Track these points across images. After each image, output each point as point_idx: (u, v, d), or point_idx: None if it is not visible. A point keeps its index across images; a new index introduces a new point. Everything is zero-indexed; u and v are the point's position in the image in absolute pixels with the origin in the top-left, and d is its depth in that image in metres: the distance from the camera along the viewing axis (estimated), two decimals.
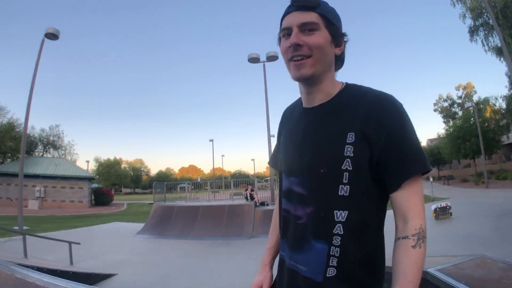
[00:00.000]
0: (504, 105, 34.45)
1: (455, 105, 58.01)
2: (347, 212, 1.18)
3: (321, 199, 1.22)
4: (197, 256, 12.08)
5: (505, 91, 35.49)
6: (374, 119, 1.17)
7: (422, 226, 1.13)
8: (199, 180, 76.06)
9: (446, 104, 59.35)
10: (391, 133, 1.16)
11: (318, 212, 1.22)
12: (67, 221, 21.39)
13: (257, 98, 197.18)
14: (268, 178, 23.89)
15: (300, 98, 1.46)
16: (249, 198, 18.28)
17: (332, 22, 1.28)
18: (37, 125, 54.64)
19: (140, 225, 17.94)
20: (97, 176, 49.85)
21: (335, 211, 1.19)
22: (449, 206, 15.80)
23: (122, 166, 68.07)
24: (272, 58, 19.32)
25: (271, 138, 20.20)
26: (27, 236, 8.04)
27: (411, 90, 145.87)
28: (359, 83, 1.32)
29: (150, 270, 9.75)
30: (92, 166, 63.12)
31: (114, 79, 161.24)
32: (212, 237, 14.83)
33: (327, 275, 1.19)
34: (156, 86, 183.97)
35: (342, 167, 1.18)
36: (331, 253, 1.19)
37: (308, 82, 1.30)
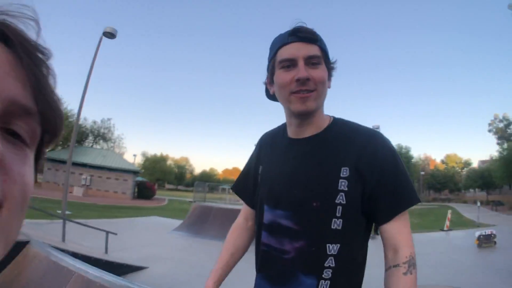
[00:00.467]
0: None
1: (511, 127, 55.24)
2: (339, 245, 1.20)
3: (314, 233, 1.22)
4: None
5: None
6: (368, 156, 1.22)
7: (412, 254, 1.18)
8: None
9: (501, 124, 56.28)
10: (384, 169, 1.22)
11: (310, 246, 1.22)
12: (109, 211, 22.11)
13: None
14: None
15: (280, 127, 1.48)
16: None
17: (328, 57, 1.30)
18: (90, 117, 56.87)
19: (178, 222, 18.18)
20: (143, 170, 51.05)
21: (327, 245, 1.20)
22: (494, 234, 14.83)
23: (168, 162, 69.32)
24: None
25: None
26: (67, 222, 8.36)
27: (466, 108, 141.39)
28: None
29: (182, 267, 9.89)
30: (139, 160, 64.99)
31: (166, 76, 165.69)
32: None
33: None
34: (208, 87, 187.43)
35: (336, 201, 1.20)
36: (320, 287, 1.20)
37: (307, 115, 1.28)
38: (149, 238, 13.60)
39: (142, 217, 20.78)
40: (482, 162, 66.21)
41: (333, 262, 1.19)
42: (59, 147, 38.13)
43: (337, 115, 1.38)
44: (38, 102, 0.42)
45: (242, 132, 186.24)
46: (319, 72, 1.23)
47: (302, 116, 1.28)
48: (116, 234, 8.74)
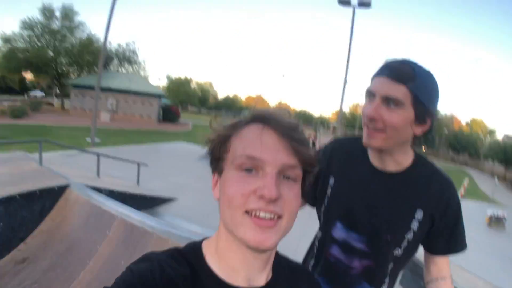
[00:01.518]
0: None
1: None
2: (393, 264, 1.38)
3: (381, 257, 1.36)
4: None
5: None
6: (443, 204, 1.29)
7: (450, 273, 1.40)
8: None
9: None
10: (451, 215, 1.31)
11: (376, 266, 1.37)
12: (135, 136, 22.52)
13: (339, 44, 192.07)
14: (333, 124, 23.68)
15: (355, 140, 1.46)
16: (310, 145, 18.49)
17: (420, 101, 1.18)
18: (114, 40, 55.97)
19: (204, 149, 18.46)
20: (167, 93, 51.10)
21: (388, 265, 1.37)
22: (505, 217, 15.14)
23: (192, 85, 69.02)
24: (364, 4, 18.44)
25: (346, 85, 19.88)
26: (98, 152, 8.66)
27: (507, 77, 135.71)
28: None
29: (209, 198, 10.19)
30: (163, 83, 64.75)
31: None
32: None
33: None
34: (237, 13, 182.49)
35: (405, 236, 1.31)
36: None
37: (378, 149, 1.30)
38: (177, 166, 14.05)
39: (168, 143, 21.19)
40: (507, 137, 64.22)
41: (388, 278, 1.40)
42: (85, 73, 38.25)
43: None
44: (300, 160, 0.73)
45: (268, 60, 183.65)
46: (394, 115, 1.17)
47: (378, 149, 1.29)
48: (147, 165, 9.02)
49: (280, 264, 0.86)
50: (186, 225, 6.74)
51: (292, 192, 0.72)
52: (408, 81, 1.15)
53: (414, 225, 1.29)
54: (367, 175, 1.38)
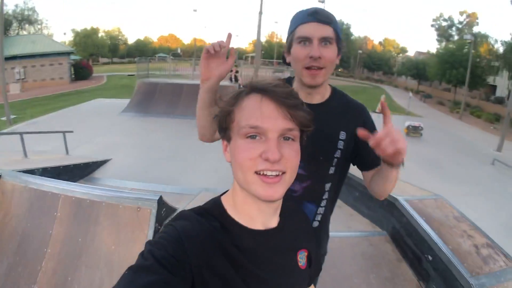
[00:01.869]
0: (501, 50, 33.36)
1: (453, 28, 55.54)
2: (331, 183, 1.61)
3: (317, 177, 1.58)
4: (185, 136, 12.41)
5: (507, 37, 33.89)
6: (361, 123, 1.53)
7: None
8: (179, 51, 74.35)
9: (445, 24, 56.69)
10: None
11: (314, 185, 1.58)
12: (51, 102, 21.27)
13: None
14: (251, 54, 23.61)
15: (285, 82, 1.64)
16: (233, 79, 18.37)
17: (339, 37, 1.46)
18: (9, 2, 50.91)
19: (124, 102, 18.09)
20: (74, 48, 48.14)
21: (325, 184, 1.60)
22: (421, 126, 16.72)
23: (100, 35, 65.12)
24: None
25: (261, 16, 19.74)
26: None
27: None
28: None
29: (142, 152, 10.28)
30: (69, 38, 60.78)
31: None
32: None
33: (313, 226, 1.63)
34: None
35: (335, 156, 1.55)
36: (317, 212, 1.63)
37: (316, 87, 1.51)
38: (101, 125, 13.64)
39: (87, 103, 20.33)
40: (419, 53, 67.02)
41: (327, 195, 1.62)
42: None
43: None
44: (297, 123, 0.85)
45: None
46: (329, 52, 1.42)
47: (311, 87, 1.51)
48: (72, 131, 8.72)
49: (284, 208, 1.02)
50: (129, 184, 6.77)
51: (292, 150, 0.85)
52: (332, 23, 1.42)
53: (340, 144, 1.54)
54: None
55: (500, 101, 35.91)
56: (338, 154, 1.55)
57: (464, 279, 2.44)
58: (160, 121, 14.94)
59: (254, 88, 0.88)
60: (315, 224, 1.65)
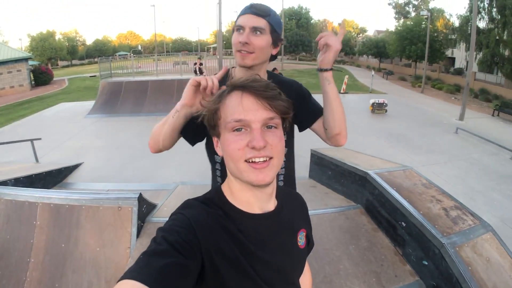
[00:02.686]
0: (457, 24, 34.13)
1: (410, 5, 56.54)
2: (287, 148, 1.78)
3: None
4: None
5: (462, 11, 34.57)
6: (295, 95, 1.63)
7: None
8: (139, 48, 73.24)
9: (402, 1, 57.53)
10: (304, 98, 1.83)
11: None
12: (13, 111, 20.34)
13: None
14: (213, 45, 23.52)
15: (224, 77, 1.81)
16: (198, 72, 18.23)
17: (275, 30, 1.67)
18: None
19: (88, 104, 17.73)
20: (31, 53, 46.73)
21: None
22: (386, 103, 17.11)
23: (56, 38, 63.28)
24: None
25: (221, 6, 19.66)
26: None
27: None
28: None
29: (113, 153, 10.17)
30: (26, 43, 58.97)
31: None
32: (164, 113, 14.19)
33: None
34: None
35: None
36: (280, 173, 1.88)
37: (249, 68, 1.69)
38: (68, 130, 13.30)
39: (50, 108, 19.72)
40: (378, 32, 68.62)
41: (285, 158, 1.78)
42: None
43: None
44: (277, 111, 0.94)
45: None
46: (259, 40, 1.62)
47: (245, 68, 1.69)
48: (40, 139, 8.56)
49: (279, 191, 1.12)
50: (104, 186, 6.69)
51: (276, 136, 0.94)
52: (266, 16, 1.62)
53: None
54: None
55: (459, 72, 37.07)
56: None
57: (437, 240, 2.59)
58: (128, 120, 14.74)
59: (235, 86, 0.97)
60: (280, 183, 1.90)
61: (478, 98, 26.39)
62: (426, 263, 2.76)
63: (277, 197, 1.09)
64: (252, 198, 0.99)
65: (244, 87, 0.95)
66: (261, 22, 1.61)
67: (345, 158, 4.62)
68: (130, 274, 0.71)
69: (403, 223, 3.09)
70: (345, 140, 1.75)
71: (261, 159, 0.90)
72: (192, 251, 0.81)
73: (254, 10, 1.61)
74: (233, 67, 1.89)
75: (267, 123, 0.93)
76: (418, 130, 13.88)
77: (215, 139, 1.03)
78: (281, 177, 1.89)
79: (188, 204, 0.96)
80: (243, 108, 0.92)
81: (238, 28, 1.63)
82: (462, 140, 12.74)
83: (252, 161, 0.90)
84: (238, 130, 0.92)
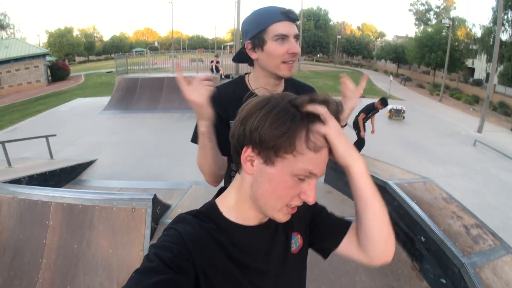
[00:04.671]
0: (479, 34, 33.66)
1: (431, 12, 56.61)
2: None
3: None
4: (169, 131, 12.48)
5: (485, 22, 34.52)
6: None
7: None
8: (156, 44, 73.61)
9: (422, 8, 57.69)
10: None
11: None
12: (30, 106, 20.66)
13: None
14: (230, 43, 23.59)
15: (235, 84, 1.77)
16: (214, 70, 18.22)
17: (299, 33, 1.59)
18: None
19: (104, 100, 17.76)
20: (49, 49, 47.21)
21: None
22: (404, 110, 16.89)
23: (74, 34, 63.89)
24: None
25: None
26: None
27: None
28: None
29: (127, 150, 10.17)
30: (44, 40, 59.68)
31: None
32: (179, 110, 14.93)
33: None
34: None
35: None
36: None
37: (281, 80, 1.68)
38: (83, 126, 13.37)
39: (66, 104, 19.86)
40: (398, 37, 68.39)
41: None
42: None
43: None
44: None
45: None
46: (298, 47, 1.55)
47: (277, 80, 1.66)
48: (55, 135, 8.56)
49: None
50: (117, 184, 6.69)
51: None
52: (296, 21, 1.56)
53: None
54: None
55: (478, 83, 36.67)
56: None
57: (457, 259, 2.50)
58: (143, 116, 14.79)
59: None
60: None
61: (497, 111, 26.04)
62: (444, 281, 2.69)
63: None
64: (253, 216, 0.95)
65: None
66: (296, 29, 1.55)
67: None
68: None
69: (422, 238, 3.01)
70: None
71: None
72: (184, 266, 0.78)
73: (292, 15, 1.53)
74: (246, 73, 1.79)
75: None
76: (436, 140, 13.71)
77: (248, 152, 0.86)
78: None
79: (180, 219, 0.92)
80: (321, 162, 0.85)
81: (282, 37, 1.52)
82: (479, 153, 12.52)
83: (290, 206, 0.88)
84: (301, 180, 0.84)
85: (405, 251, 3.26)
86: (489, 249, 2.61)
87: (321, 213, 1.14)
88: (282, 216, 0.88)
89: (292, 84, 1.80)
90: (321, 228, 1.09)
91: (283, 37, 1.51)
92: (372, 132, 9.45)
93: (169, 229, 0.88)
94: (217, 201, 0.99)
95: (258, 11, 1.58)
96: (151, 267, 0.74)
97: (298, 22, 1.59)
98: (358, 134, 9.08)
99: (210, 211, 0.96)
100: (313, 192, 0.84)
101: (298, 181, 0.83)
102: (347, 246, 1.07)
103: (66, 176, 6.60)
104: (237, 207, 0.95)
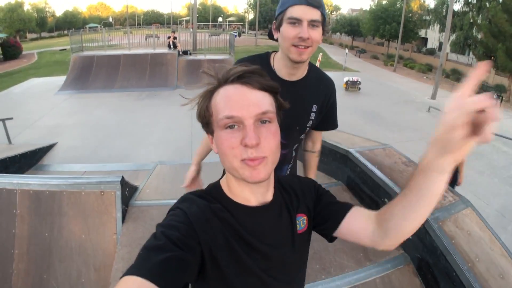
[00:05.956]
0: (432, 6, 35.11)
1: None
2: (297, 144, 1.97)
3: (293, 143, 1.90)
4: (127, 110, 12.39)
5: None
6: (329, 98, 1.87)
7: (320, 149, 2.14)
8: (110, 20, 71.30)
9: None
10: (332, 106, 1.92)
11: (290, 152, 1.93)
12: None
13: None
14: (186, 18, 23.09)
15: (261, 58, 1.80)
16: (171, 46, 17.90)
17: (325, 20, 1.60)
18: None
19: (59, 80, 17.16)
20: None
21: (294, 145, 1.94)
22: (359, 81, 17.51)
23: (25, 8, 60.65)
24: None
25: None
26: None
27: None
28: None
29: (87, 131, 9.99)
30: None
31: None
32: (137, 88, 14.89)
33: None
34: None
35: (307, 125, 1.85)
36: (288, 167, 2.00)
37: (301, 64, 1.67)
38: (40, 108, 12.90)
39: (20, 84, 18.97)
40: (353, 10, 69.11)
41: (294, 153, 1.98)
42: None
43: None
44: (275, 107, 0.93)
45: None
46: (317, 33, 1.56)
47: (296, 63, 1.65)
48: (12, 118, 8.23)
49: (277, 180, 1.11)
50: (81, 167, 6.59)
51: (270, 132, 0.90)
52: (320, 7, 1.54)
53: (313, 115, 1.82)
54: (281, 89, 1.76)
55: (431, 52, 38.25)
56: (310, 123, 1.85)
57: None
58: (101, 96, 14.44)
59: (225, 79, 0.92)
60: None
61: (450, 78, 27.25)
62: (411, 237, 2.84)
63: (275, 186, 1.08)
64: (249, 193, 0.98)
65: (237, 79, 0.91)
66: (317, 15, 1.54)
67: (325, 136, 4.65)
68: (131, 271, 0.73)
69: (385, 200, 3.17)
70: None
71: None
72: (190, 244, 0.82)
73: (311, 1, 1.52)
74: (274, 51, 1.83)
75: (261, 118, 0.88)
76: (392, 108, 14.24)
77: (209, 136, 0.99)
78: (288, 171, 2.00)
79: (186, 199, 0.97)
80: (234, 104, 0.88)
81: (293, 20, 1.54)
82: (435, 118, 13.08)
83: (247, 159, 0.88)
84: (231, 127, 0.88)
85: None
86: (449, 205, 2.78)
87: (325, 195, 1.17)
88: (247, 173, 0.88)
89: (315, 72, 1.84)
90: (323, 210, 1.12)
91: (295, 21, 1.53)
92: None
93: (175, 208, 0.93)
94: (221, 182, 1.04)
95: None
96: (158, 245, 0.78)
97: (320, 9, 1.55)
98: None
99: (214, 191, 1.02)
100: (250, 133, 0.85)
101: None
102: (348, 227, 1.06)
103: (27, 161, 6.44)
104: (232, 187, 0.99)
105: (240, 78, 0.90)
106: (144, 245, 0.79)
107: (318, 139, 2.11)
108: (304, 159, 2.15)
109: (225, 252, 0.89)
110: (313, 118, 1.83)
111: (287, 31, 1.56)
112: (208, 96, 0.94)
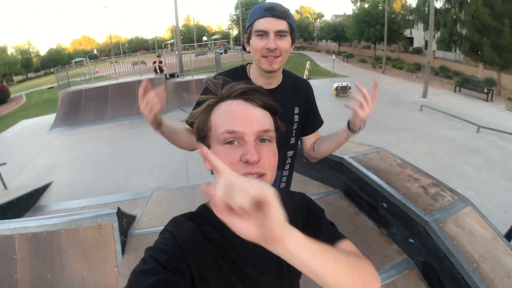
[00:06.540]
0: (414, 5, 35.56)
1: None
2: (293, 151, 2.00)
3: (282, 147, 1.90)
4: (120, 139, 12.34)
5: None
6: (307, 98, 1.97)
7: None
8: (95, 52, 71.47)
9: None
10: (313, 106, 2.01)
11: (280, 155, 1.89)
12: None
13: None
14: (171, 41, 23.28)
15: (237, 71, 1.90)
16: (158, 71, 17.96)
17: (294, 29, 1.70)
18: None
19: (50, 118, 17.15)
20: None
21: (287, 152, 1.98)
22: (349, 86, 17.61)
23: (9, 52, 60.64)
24: None
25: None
26: None
27: None
28: None
29: (82, 166, 9.93)
30: None
31: None
32: (128, 117, 14.75)
33: (280, 188, 2.01)
34: None
35: (293, 128, 1.93)
36: (283, 175, 2.03)
37: (273, 72, 1.73)
38: (33, 148, 12.87)
39: (11, 128, 18.91)
40: (336, 16, 70.26)
41: (290, 160, 2.02)
42: None
43: None
44: (271, 124, 0.94)
45: None
46: (285, 43, 1.65)
47: (269, 73, 1.73)
48: (5, 163, 8.23)
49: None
50: (78, 203, 6.55)
51: (269, 151, 0.91)
52: (286, 17, 1.63)
53: (296, 118, 1.91)
54: None
55: (418, 51, 38.70)
56: (295, 126, 1.93)
57: (420, 218, 2.65)
58: (92, 129, 14.44)
59: (228, 95, 0.93)
60: (282, 185, 2.07)
61: (439, 75, 27.43)
62: (412, 241, 2.83)
63: None
64: None
65: (237, 95, 0.92)
66: (283, 25, 1.63)
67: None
68: None
69: (384, 204, 3.16)
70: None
71: (254, 176, 0.87)
72: (179, 267, 0.81)
73: (275, 12, 1.61)
74: (248, 63, 1.91)
75: (261, 136, 0.90)
76: (384, 110, 14.26)
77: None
78: (284, 179, 2.05)
79: (175, 221, 0.95)
80: (236, 119, 0.88)
81: (260, 33, 1.63)
82: (427, 116, 13.18)
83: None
84: (230, 143, 0.88)
85: (371, 219, 3.40)
86: (448, 204, 2.76)
87: (318, 215, 1.16)
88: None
89: (289, 77, 1.93)
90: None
91: (262, 33, 1.63)
92: None
93: (164, 232, 0.91)
94: (210, 202, 1.03)
95: (253, 7, 1.73)
96: (148, 268, 0.77)
97: (286, 19, 1.64)
98: None
99: (204, 213, 0.98)
100: (251, 149, 0.85)
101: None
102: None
103: (24, 204, 6.41)
104: None
105: (243, 95, 0.92)
106: (133, 270, 0.79)
107: (313, 140, 2.12)
108: (324, 148, 1.99)
109: (214, 275, 0.87)
110: (298, 120, 1.93)
111: (255, 43, 1.66)
112: (208, 110, 0.95)
